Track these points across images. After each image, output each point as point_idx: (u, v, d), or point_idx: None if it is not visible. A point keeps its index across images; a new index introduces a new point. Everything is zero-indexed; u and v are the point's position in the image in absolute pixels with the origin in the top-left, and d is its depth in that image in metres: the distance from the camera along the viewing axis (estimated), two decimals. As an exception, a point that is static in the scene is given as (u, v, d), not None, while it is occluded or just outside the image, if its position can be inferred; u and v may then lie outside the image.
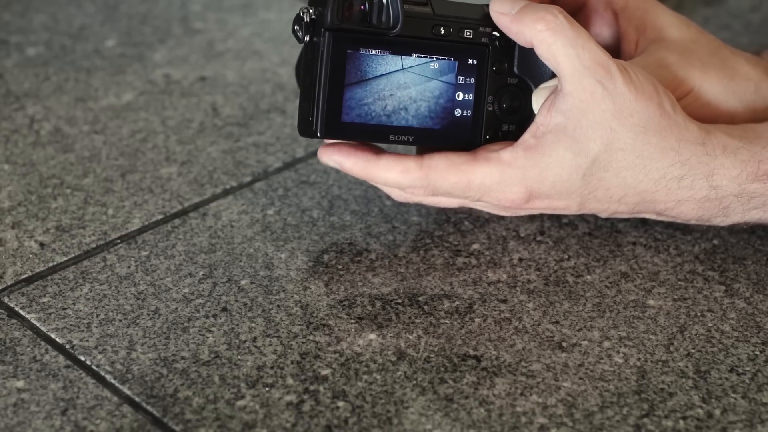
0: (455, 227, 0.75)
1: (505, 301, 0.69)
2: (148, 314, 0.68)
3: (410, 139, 0.68)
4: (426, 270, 0.71)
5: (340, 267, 0.72)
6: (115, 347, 0.65)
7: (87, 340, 0.66)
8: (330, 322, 0.67)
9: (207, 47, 0.96)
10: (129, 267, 0.71)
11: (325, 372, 0.64)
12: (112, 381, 0.63)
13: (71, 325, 0.67)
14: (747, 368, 0.65)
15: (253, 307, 0.68)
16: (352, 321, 0.67)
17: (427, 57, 0.68)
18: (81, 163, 0.81)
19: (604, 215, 0.70)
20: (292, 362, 0.65)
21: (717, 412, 0.62)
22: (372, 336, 0.66)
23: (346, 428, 0.61)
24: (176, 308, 0.68)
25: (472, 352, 0.65)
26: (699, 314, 0.69)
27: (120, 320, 0.67)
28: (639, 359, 0.65)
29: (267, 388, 0.63)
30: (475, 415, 0.61)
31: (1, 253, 0.72)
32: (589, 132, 0.66)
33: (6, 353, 0.65)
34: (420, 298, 0.69)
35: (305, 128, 0.67)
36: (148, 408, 0.62)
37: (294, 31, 0.66)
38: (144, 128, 0.85)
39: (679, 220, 0.71)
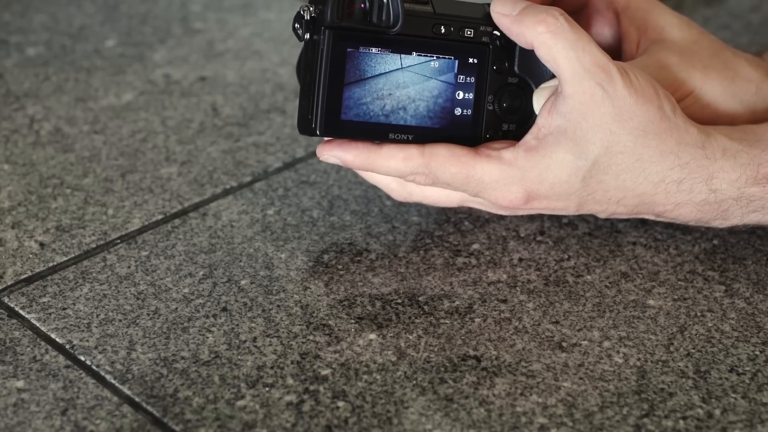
0: (455, 227, 0.75)
1: (505, 301, 0.69)
2: (148, 314, 0.68)
3: (410, 138, 0.68)
4: (426, 270, 0.72)
5: (340, 267, 0.72)
6: (115, 347, 0.65)
7: (87, 340, 0.66)
8: (330, 322, 0.67)
9: (207, 47, 0.96)
10: (129, 267, 0.72)
11: (325, 372, 0.64)
12: (112, 381, 0.63)
13: (71, 325, 0.67)
14: (747, 368, 0.65)
15: (253, 307, 0.68)
16: (352, 321, 0.67)
17: (427, 56, 0.68)
18: (81, 163, 0.81)
19: (602, 216, 0.71)
20: (292, 362, 0.65)
21: (717, 412, 0.62)
22: (372, 336, 0.66)
23: (346, 428, 0.61)
24: (176, 308, 0.68)
25: (472, 352, 0.65)
26: (699, 314, 0.69)
27: (120, 320, 0.67)
28: (639, 359, 0.65)
29: (267, 388, 0.63)
30: (475, 415, 0.61)
31: (1, 253, 0.72)
32: (589, 135, 0.66)
33: (6, 353, 0.65)
34: (420, 298, 0.69)
35: (305, 126, 0.67)
36: (148, 408, 0.62)
37: (294, 29, 0.66)
38: (144, 128, 0.85)
39: (677, 222, 0.71)
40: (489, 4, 0.68)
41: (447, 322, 0.68)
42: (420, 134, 0.68)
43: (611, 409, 0.62)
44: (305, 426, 0.61)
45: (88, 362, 0.64)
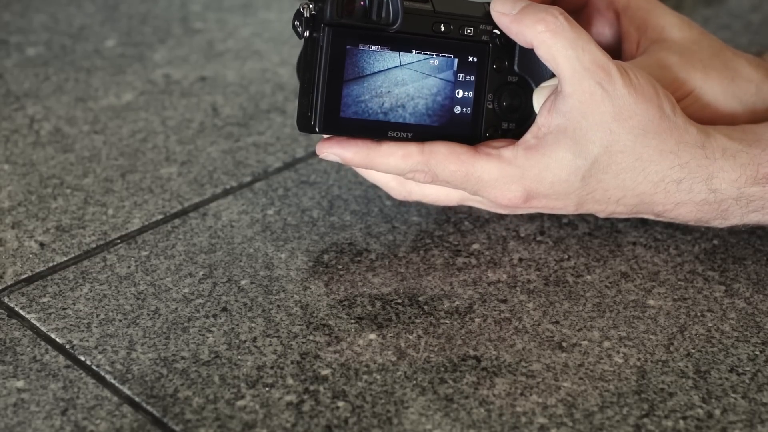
0: (455, 227, 0.75)
1: (505, 301, 0.69)
2: (148, 314, 0.68)
3: (409, 136, 0.68)
4: (426, 270, 0.72)
5: (340, 267, 0.72)
6: (115, 347, 0.65)
7: (87, 340, 0.66)
8: (330, 322, 0.67)
9: (207, 47, 0.96)
10: (129, 267, 0.72)
11: (325, 372, 0.64)
12: (112, 381, 0.63)
13: (71, 325, 0.67)
14: (747, 368, 0.65)
15: (253, 307, 0.68)
16: (352, 321, 0.67)
17: (426, 54, 0.68)
18: (81, 163, 0.81)
19: (602, 215, 0.70)
20: (292, 362, 0.65)
21: (717, 412, 0.62)
22: (372, 336, 0.66)
23: (346, 428, 0.61)
24: (176, 308, 0.68)
25: (472, 352, 0.65)
26: (699, 314, 0.69)
27: (120, 320, 0.67)
28: (639, 359, 0.65)
29: (267, 388, 0.63)
30: (475, 415, 0.61)
31: (1, 253, 0.72)
32: (588, 134, 0.66)
33: (6, 353, 0.65)
34: (420, 298, 0.69)
35: (304, 123, 0.67)
36: (148, 408, 0.62)
37: (294, 27, 0.66)
38: (144, 128, 0.85)
39: (677, 222, 0.71)
40: (489, 3, 0.68)
41: (447, 322, 0.67)
42: (419, 132, 0.68)
43: (611, 409, 0.62)
44: (305, 426, 0.61)
45: (88, 362, 0.64)
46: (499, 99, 0.70)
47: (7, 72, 0.92)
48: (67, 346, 0.65)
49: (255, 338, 0.66)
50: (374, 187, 0.78)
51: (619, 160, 0.67)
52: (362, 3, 0.66)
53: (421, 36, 0.67)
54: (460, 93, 0.69)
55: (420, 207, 0.77)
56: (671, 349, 0.66)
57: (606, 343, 0.66)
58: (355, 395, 0.62)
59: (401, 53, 0.67)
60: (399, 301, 0.69)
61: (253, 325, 0.67)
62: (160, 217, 0.76)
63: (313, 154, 0.82)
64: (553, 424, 0.61)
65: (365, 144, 0.67)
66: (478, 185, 0.68)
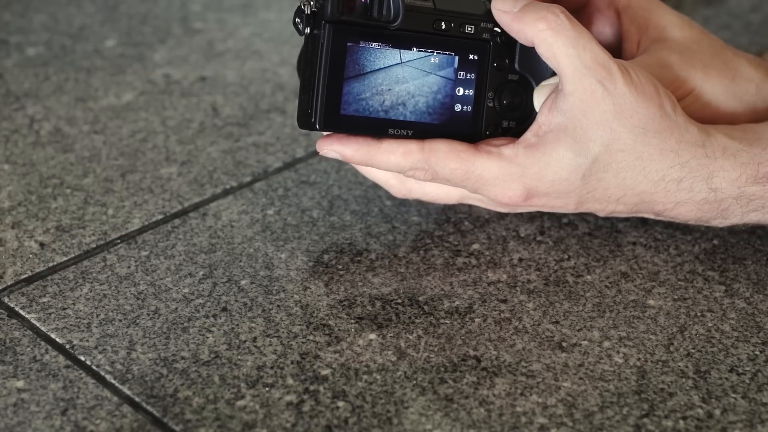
0: (455, 227, 0.75)
1: (505, 301, 0.69)
2: (148, 314, 0.68)
3: (409, 134, 0.68)
4: (426, 270, 0.71)
5: (340, 267, 0.72)
6: (115, 347, 0.65)
7: (87, 340, 0.66)
8: (330, 322, 0.67)
9: (207, 47, 0.96)
10: (129, 267, 0.71)
11: (325, 372, 0.64)
12: (112, 381, 0.63)
13: (71, 325, 0.67)
14: (747, 368, 0.65)
15: (253, 307, 0.68)
16: (352, 321, 0.67)
17: (427, 51, 0.68)
18: (81, 163, 0.81)
19: (602, 214, 0.70)
20: (292, 362, 0.64)
21: (717, 412, 0.62)
22: (372, 336, 0.66)
23: (346, 428, 0.61)
24: (176, 308, 0.68)
25: (472, 352, 0.65)
26: (699, 314, 0.69)
27: (120, 320, 0.67)
28: (639, 359, 0.65)
29: (267, 388, 0.63)
30: (475, 415, 0.61)
31: (1, 253, 0.72)
32: (589, 132, 0.66)
33: (6, 353, 0.65)
34: (420, 298, 0.69)
35: (304, 121, 0.67)
36: (148, 408, 0.62)
37: (295, 24, 0.66)
38: (144, 128, 0.85)
39: (677, 221, 0.71)
40: (490, 1, 0.68)
41: (447, 322, 0.67)
42: (419, 130, 0.68)
43: (611, 409, 0.62)
44: (305, 426, 0.61)
45: (88, 362, 0.64)
46: (499, 97, 0.70)
47: (7, 72, 0.92)
48: (67, 346, 0.65)
49: (255, 338, 0.66)
50: (374, 187, 0.78)
51: (619, 159, 0.67)
52: (363, 0, 0.66)
53: (421, 33, 0.67)
54: (460, 91, 0.69)
55: (420, 207, 0.77)
56: (671, 349, 0.66)
57: (606, 343, 0.66)
58: (355, 395, 0.62)
59: (402, 50, 0.67)
60: (399, 301, 0.69)
61: (253, 325, 0.67)
62: (160, 217, 0.76)
63: (313, 154, 0.82)
64: (553, 424, 0.61)
65: (366, 141, 0.67)
66: (479, 183, 0.68)
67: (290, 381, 0.63)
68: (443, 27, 0.68)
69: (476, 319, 0.68)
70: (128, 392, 0.63)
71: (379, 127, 0.67)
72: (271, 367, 0.64)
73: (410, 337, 0.66)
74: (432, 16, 0.67)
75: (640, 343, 0.66)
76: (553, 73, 0.69)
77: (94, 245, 0.73)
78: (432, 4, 0.67)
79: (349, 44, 0.66)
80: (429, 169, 0.67)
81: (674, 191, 0.68)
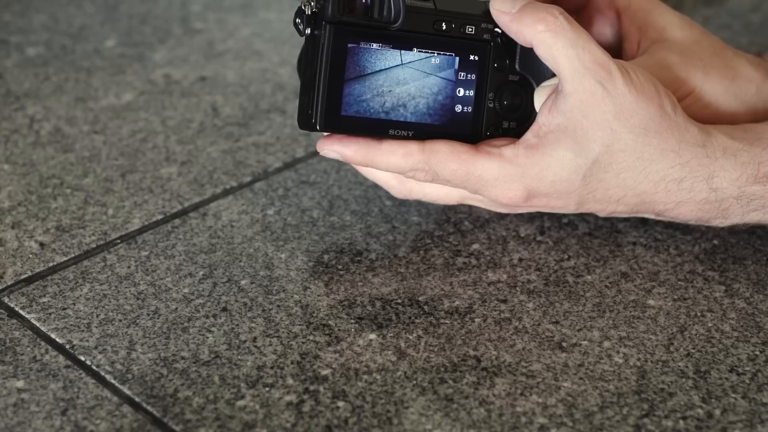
0: (455, 227, 0.75)
1: (505, 301, 0.69)
2: (148, 314, 0.68)
3: (410, 134, 0.68)
4: (426, 270, 0.71)
5: (340, 267, 0.72)
6: (115, 347, 0.65)
7: (87, 340, 0.66)
8: (330, 322, 0.67)
9: (207, 47, 0.96)
10: (129, 267, 0.71)
11: (325, 372, 0.64)
12: (112, 381, 0.63)
13: (71, 325, 0.67)
14: (747, 368, 0.65)
15: (253, 307, 0.68)
16: (352, 321, 0.67)
17: (428, 52, 0.68)
18: (81, 163, 0.81)
19: (602, 215, 0.70)
20: (292, 362, 0.64)
21: (717, 412, 0.62)
22: (372, 336, 0.66)
23: (346, 428, 0.61)
24: (176, 308, 0.68)
25: (472, 352, 0.65)
26: (699, 314, 0.69)
27: (120, 320, 0.67)
28: (639, 359, 0.65)
29: (267, 388, 0.63)
30: (475, 415, 0.61)
31: (1, 253, 0.72)
32: (589, 133, 0.66)
33: (6, 353, 0.65)
34: (420, 298, 0.69)
35: (305, 121, 0.67)
36: (148, 408, 0.62)
37: (296, 24, 0.66)
38: (144, 128, 0.85)
39: (677, 221, 0.71)
40: (490, 1, 0.68)
41: (447, 322, 0.67)
42: (420, 131, 0.68)
43: (611, 409, 0.62)
44: (305, 426, 0.61)
45: (88, 362, 0.64)
46: (500, 98, 0.70)
47: (7, 72, 0.92)
48: (67, 346, 0.65)
49: (255, 338, 0.66)
50: (374, 187, 0.78)
51: (620, 159, 0.67)
52: (364, 1, 0.66)
53: (422, 34, 0.67)
54: (461, 92, 0.69)
55: (420, 207, 0.77)
56: (671, 349, 0.66)
57: (606, 343, 0.66)
58: (355, 395, 0.62)
59: (402, 51, 0.67)
60: (399, 301, 0.69)
61: (253, 325, 0.67)
62: (160, 217, 0.76)
63: (313, 154, 0.82)
64: (553, 424, 0.61)
65: (366, 142, 0.67)
66: (479, 184, 0.68)
67: (290, 381, 0.63)
68: (444, 28, 0.68)
69: (476, 319, 0.68)
70: (128, 392, 0.63)
71: (379, 128, 0.67)
72: (271, 367, 0.64)
73: (410, 337, 0.66)
74: (432, 17, 0.67)
75: (640, 343, 0.66)
76: (554, 74, 0.69)
77: (94, 245, 0.73)
78: (432, 5, 0.67)
79: (349, 45, 0.66)
80: (429, 170, 0.67)
81: (675, 191, 0.68)
